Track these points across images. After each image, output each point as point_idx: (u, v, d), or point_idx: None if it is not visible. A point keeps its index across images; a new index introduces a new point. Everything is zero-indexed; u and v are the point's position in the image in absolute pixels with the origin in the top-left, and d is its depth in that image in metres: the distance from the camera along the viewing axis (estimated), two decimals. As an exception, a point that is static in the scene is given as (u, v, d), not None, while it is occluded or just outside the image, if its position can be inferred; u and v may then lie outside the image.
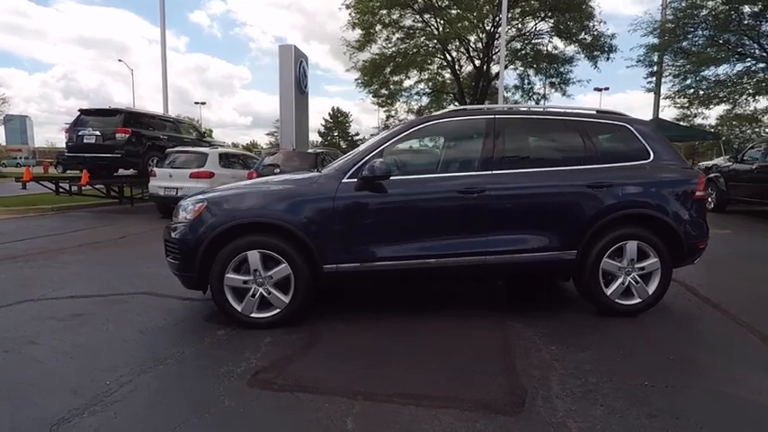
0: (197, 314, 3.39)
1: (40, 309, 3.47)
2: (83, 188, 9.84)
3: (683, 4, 15.61)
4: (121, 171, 11.26)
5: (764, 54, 15.58)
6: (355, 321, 3.16)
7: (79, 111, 10.26)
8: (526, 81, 20.89)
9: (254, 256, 2.96)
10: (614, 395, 2.15)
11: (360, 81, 20.22)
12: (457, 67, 20.26)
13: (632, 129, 3.38)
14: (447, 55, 19.33)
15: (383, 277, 3.20)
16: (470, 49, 19.50)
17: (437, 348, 2.73)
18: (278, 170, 8.66)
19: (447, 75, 21.01)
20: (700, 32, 15.94)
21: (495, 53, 19.57)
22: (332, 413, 1.99)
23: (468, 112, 3.34)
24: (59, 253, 5.58)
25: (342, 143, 55.84)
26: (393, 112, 22.88)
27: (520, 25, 18.82)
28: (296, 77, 13.75)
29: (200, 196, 3.20)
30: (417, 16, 19.03)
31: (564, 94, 19.79)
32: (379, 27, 18.85)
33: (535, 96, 20.91)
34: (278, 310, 3.01)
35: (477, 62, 19.88)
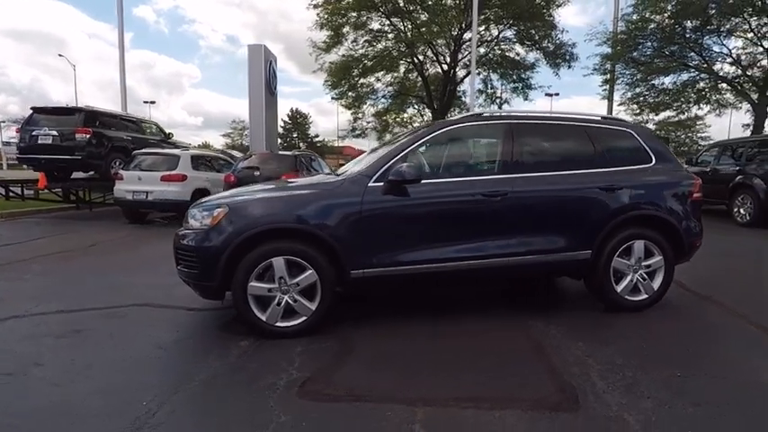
0: (210, 325, 3.22)
1: (30, 326, 3.17)
2: (39, 192, 9.08)
3: (635, 17, 16.69)
4: (77, 174, 10.54)
5: (705, 66, 16.98)
6: (381, 327, 3.13)
7: (32, 109, 9.47)
8: (489, 86, 21.59)
9: (279, 263, 2.85)
10: (655, 387, 2.27)
11: (328, 82, 20.02)
12: (424, 70, 20.55)
13: (635, 134, 3.58)
14: (415, 59, 19.56)
15: (409, 282, 3.19)
16: (438, 53, 19.86)
17: (472, 350, 2.75)
18: (257, 173, 8.42)
19: (413, 77, 21.22)
20: (648, 44, 17.11)
21: (461, 59, 20.07)
22: (398, 421, 1.96)
23: (485, 117, 3.40)
24: (27, 264, 5.11)
25: (301, 145, 54.98)
26: (360, 115, 22.83)
27: (484, 31, 19.38)
28: (266, 78, 13.44)
29: (217, 201, 3.05)
30: (385, 20, 19.13)
31: (525, 99, 20.64)
32: (347, 29, 18.78)
33: (498, 101, 21.63)
34: (303, 318, 2.92)
35: (445, 66, 20.27)
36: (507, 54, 19.87)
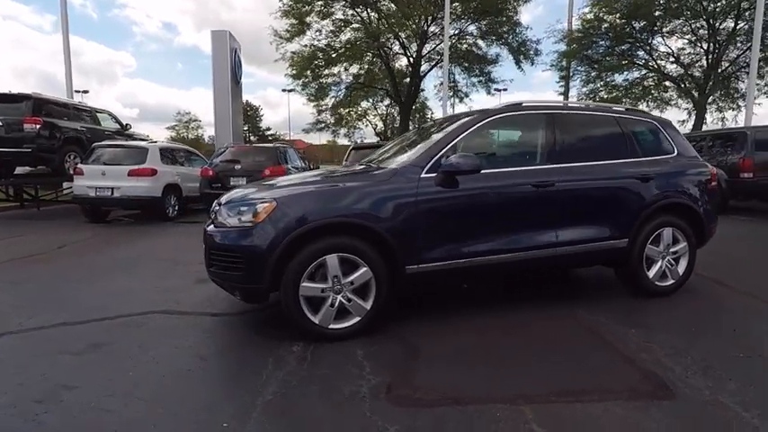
0: (244, 330, 2.96)
1: (33, 342, 2.75)
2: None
3: (590, 17, 17.58)
4: (21, 169, 9.46)
5: (651, 64, 18.22)
6: (435, 323, 3.01)
7: (-31, 95, 8.34)
8: (452, 79, 21.84)
9: (333, 261, 2.66)
10: (730, 368, 2.34)
11: (291, 72, 19.32)
12: (390, 62, 20.41)
13: (659, 125, 3.70)
14: (381, 51, 19.37)
15: (464, 275, 3.09)
16: (404, 46, 19.79)
17: (538, 342, 2.72)
18: (238, 166, 7.97)
19: (378, 70, 21.01)
20: (602, 42, 18.10)
21: (426, 54, 20.17)
22: (512, 422, 1.86)
23: (526, 107, 3.36)
24: (-6, 271, 4.48)
25: (252, 137, 53.08)
26: (324, 107, 22.30)
27: (449, 24, 19.52)
28: (231, 67, 12.72)
29: (258, 195, 2.78)
30: (349, 10, 18.75)
31: (488, 93, 21.13)
32: (311, 18, 18.19)
33: (460, 94, 22.00)
34: (358, 319, 2.75)
35: (411, 59, 20.24)
36: (471, 49, 20.18)
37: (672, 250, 3.52)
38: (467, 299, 3.61)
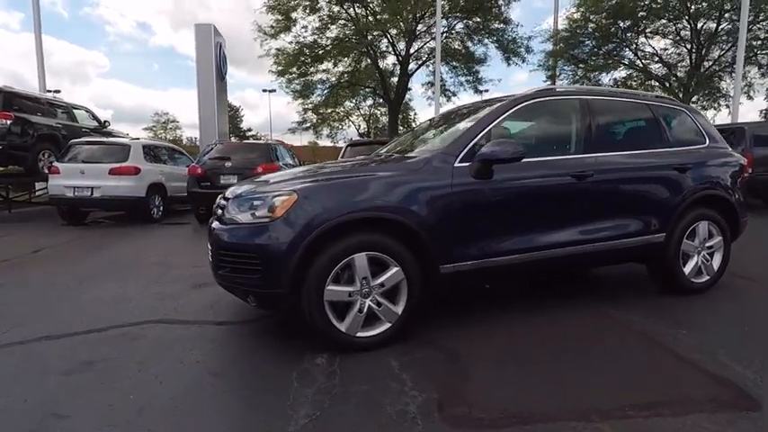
0: (259, 340, 2.63)
1: (11, 360, 2.37)
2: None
3: (576, 16, 17.66)
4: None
5: (637, 64, 18.45)
6: (467, 326, 2.74)
7: (-72, 88, 7.69)
8: (440, 78, 21.68)
9: (361, 261, 2.36)
10: (803, 372, 2.14)
11: (275, 70, 18.80)
12: (379, 59, 20.11)
13: (689, 114, 3.53)
14: (369, 49, 19.05)
15: (499, 275, 2.83)
16: (393, 44, 19.53)
17: (581, 345, 2.48)
18: (229, 163, 7.56)
19: (366, 68, 20.68)
20: (588, 42, 18.22)
21: (413, 52, 19.95)
22: (596, 444, 1.61)
23: (558, 92, 3.13)
24: (-39, 278, 4.01)
25: (232, 138, 52.10)
26: (309, 105, 21.82)
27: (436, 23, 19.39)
28: (216, 62, 12.23)
29: (277, 188, 2.46)
30: (335, 6, 18.39)
31: (476, 92, 21.04)
32: (297, 13, 17.77)
33: (447, 93, 21.85)
34: (388, 325, 2.45)
35: (400, 57, 20.00)
36: (458, 48, 20.07)
37: (707, 245, 3.34)
38: (489, 299, 3.34)
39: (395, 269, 2.42)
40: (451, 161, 2.60)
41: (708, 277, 3.37)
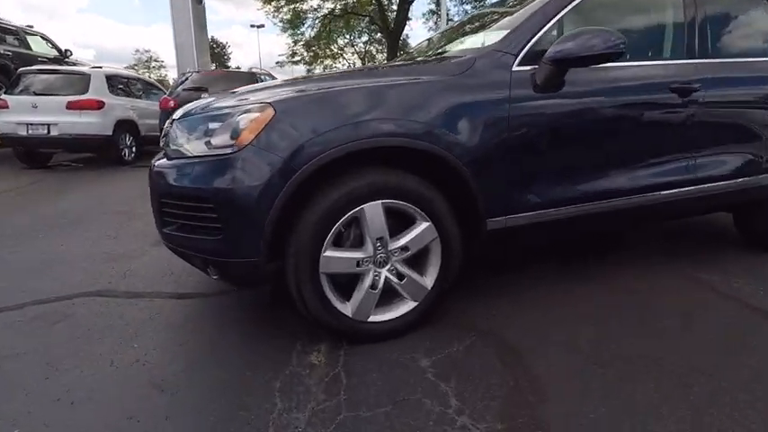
0: (230, 324, 1.88)
1: None
2: None
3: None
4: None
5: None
6: (517, 307, 2.00)
7: None
8: (442, 7, 19.77)
9: (375, 214, 1.55)
10: None
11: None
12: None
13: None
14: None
15: (567, 230, 2.02)
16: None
17: (675, 315, 1.76)
18: (206, 94, 6.49)
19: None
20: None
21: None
22: None
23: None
24: None
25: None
26: (299, 36, 19.97)
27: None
28: (190, -20, 10.62)
29: (245, 100, 1.60)
30: None
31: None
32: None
33: (451, 23, 19.98)
34: (413, 305, 1.71)
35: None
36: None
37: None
38: (542, 264, 2.58)
39: (424, 225, 1.63)
40: (509, 62, 1.72)
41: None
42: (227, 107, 1.58)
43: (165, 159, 1.72)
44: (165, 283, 2.29)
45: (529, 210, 1.80)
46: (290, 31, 19.46)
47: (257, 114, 1.47)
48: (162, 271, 2.45)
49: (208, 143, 1.55)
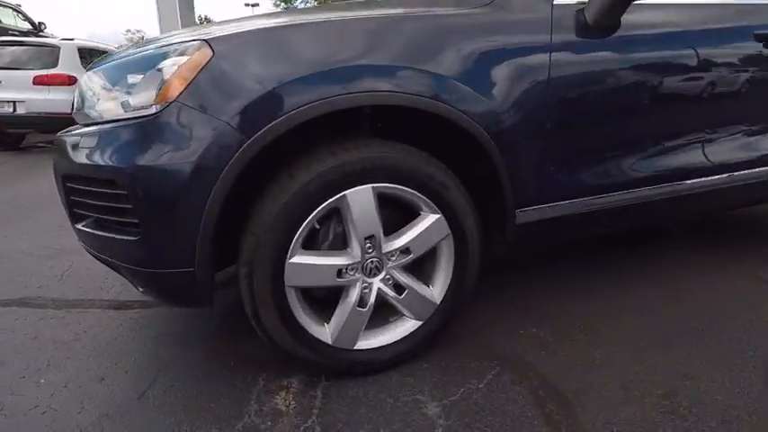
0: (176, 345, 1.44)
1: None
2: None
3: None
4: None
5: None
6: (552, 323, 1.56)
7: None
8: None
9: (363, 202, 1.10)
10: None
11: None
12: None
13: None
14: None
15: (611, 221, 1.57)
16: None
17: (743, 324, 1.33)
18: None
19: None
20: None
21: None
22: None
23: None
24: None
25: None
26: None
27: None
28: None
29: (176, 39, 1.12)
30: None
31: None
32: None
33: None
34: (415, 326, 1.27)
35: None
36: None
37: None
38: (582, 264, 2.14)
39: (432, 218, 1.18)
40: (549, -4, 1.24)
41: None
42: (152, 51, 1.11)
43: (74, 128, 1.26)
44: (106, 287, 1.85)
45: (572, 197, 1.35)
46: (282, 7, 18.61)
47: (186, 57, 0.99)
48: (107, 271, 1.99)
49: (126, 104, 1.08)
